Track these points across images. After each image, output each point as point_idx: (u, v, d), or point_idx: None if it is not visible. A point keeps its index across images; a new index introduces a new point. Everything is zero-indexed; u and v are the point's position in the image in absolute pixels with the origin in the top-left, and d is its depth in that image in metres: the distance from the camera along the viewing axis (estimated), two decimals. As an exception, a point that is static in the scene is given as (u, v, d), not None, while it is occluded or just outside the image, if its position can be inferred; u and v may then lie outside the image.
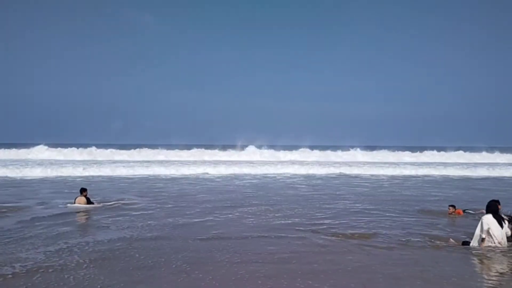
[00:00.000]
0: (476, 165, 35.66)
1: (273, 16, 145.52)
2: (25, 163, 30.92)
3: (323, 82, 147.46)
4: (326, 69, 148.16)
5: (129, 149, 44.14)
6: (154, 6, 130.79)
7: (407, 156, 46.23)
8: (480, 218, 7.46)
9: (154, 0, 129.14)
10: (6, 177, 21.75)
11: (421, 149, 52.02)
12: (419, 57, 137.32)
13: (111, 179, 21.33)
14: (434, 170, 29.54)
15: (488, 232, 7.20)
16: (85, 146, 44.25)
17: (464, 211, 11.74)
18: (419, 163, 39.35)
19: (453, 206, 11.76)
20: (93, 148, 43.41)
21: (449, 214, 11.55)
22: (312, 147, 50.94)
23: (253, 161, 37.85)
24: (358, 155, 45.64)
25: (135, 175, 23.91)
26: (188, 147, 47.49)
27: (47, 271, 5.87)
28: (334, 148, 51.28)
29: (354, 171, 28.81)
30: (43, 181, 20.04)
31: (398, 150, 49.05)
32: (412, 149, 52.46)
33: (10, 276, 5.63)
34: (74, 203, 11.97)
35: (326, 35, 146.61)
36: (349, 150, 48.27)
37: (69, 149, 42.39)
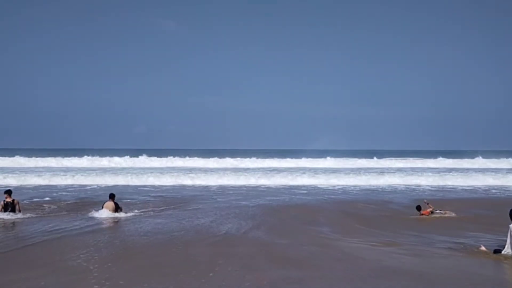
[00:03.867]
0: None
1: (301, 20, 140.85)
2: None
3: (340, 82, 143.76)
4: (326, 71, 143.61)
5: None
6: (177, 13, 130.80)
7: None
8: None
9: (177, 7, 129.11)
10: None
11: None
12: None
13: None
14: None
15: None
16: (115, 152, 43.10)
17: (431, 212, 11.91)
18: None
19: (419, 207, 11.98)
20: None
21: (421, 214, 11.82)
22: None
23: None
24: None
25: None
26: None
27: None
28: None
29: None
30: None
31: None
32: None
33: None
34: (102, 207, 12.29)
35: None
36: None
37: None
